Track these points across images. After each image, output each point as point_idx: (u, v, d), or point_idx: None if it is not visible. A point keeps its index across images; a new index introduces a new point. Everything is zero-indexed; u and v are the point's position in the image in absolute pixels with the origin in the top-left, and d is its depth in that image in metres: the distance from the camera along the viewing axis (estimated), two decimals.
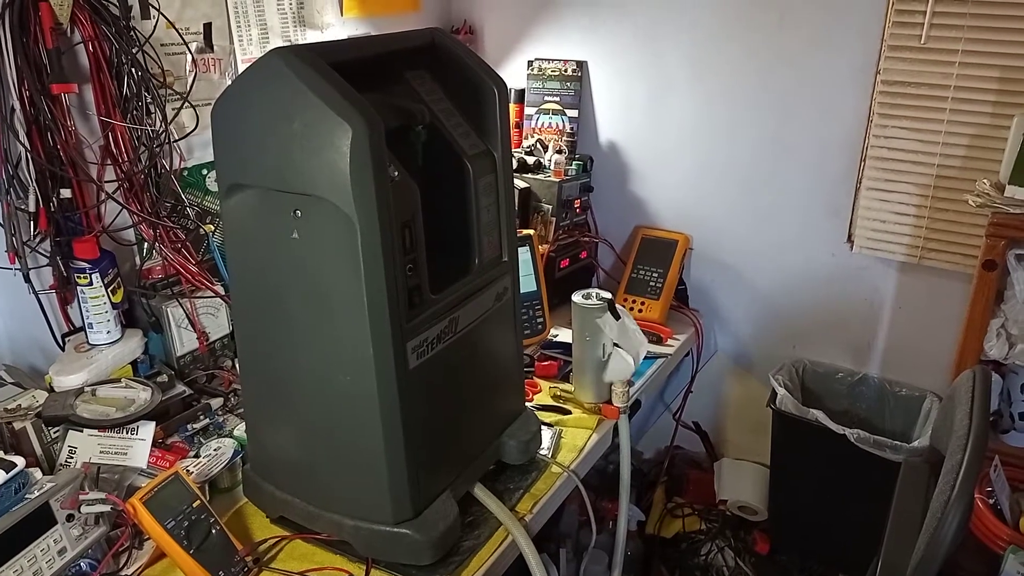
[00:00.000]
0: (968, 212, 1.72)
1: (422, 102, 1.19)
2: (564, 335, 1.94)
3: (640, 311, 2.02)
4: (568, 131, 2.16)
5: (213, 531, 1.15)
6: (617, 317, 1.52)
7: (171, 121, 1.46)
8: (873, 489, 1.82)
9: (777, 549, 2.05)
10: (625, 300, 2.05)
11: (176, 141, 1.48)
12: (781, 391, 1.87)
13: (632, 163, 2.15)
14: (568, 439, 1.52)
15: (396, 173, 1.05)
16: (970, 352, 1.58)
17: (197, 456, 1.33)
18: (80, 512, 1.09)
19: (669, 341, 1.95)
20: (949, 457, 1.19)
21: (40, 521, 1.05)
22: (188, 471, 1.27)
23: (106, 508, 1.10)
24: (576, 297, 1.56)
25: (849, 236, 1.91)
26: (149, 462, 1.29)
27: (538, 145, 2.16)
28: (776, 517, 2.05)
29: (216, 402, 1.47)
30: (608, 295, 1.55)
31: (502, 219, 1.29)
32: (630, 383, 1.59)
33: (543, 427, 1.48)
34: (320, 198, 1.00)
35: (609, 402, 1.59)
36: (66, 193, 1.34)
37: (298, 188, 1.01)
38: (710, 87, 1.98)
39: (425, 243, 1.10)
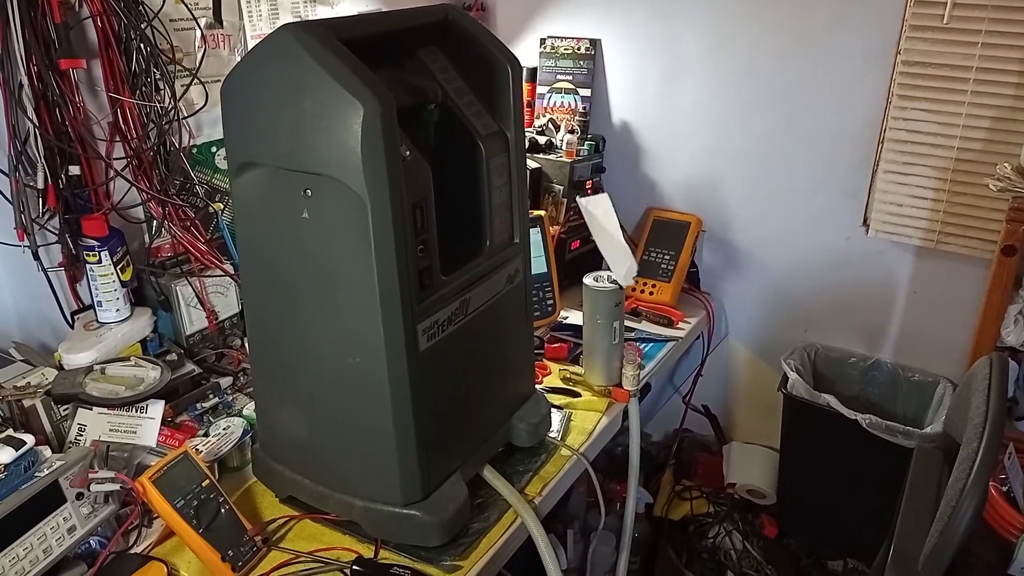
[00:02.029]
0: (987, 196, 1.69)
1: (434, 80, 1.17)
2: (574, 317, 1.92)
3: (651, 294, 2.00)
4: (580, 111, 2.13)
5: (222, 510, 1.14)
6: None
7: (180, 98, 1.44)
8: (884, 474, 1.81)
9: (785, 533, 2.05)
10: (636, 282, 2.03)
11: (185, 118, 1.46)
12: (793, 375, 1.86)
13: (644, 144, 2.12)
14: (578, 422, 1.51)
15: (408, 152, 1.03)
16: (987, 338, 1.56)
17: (206, 435, 1.33)
18: (89, 490, 1.09)
19: (680, 324, 1.93)
20: (965, 445, 1.17)
21: (50, 499, 1.05)
22: (197, 450, 1.27)
23: (115, 487, 1.10)
24: (587, 280, 1.54)
25: (864, 220, 1.88)
26: (158, 441, 1.29)
27: (550, 125, 2.14)
28: (785, 501, 2.04)
29: (225, 381, 1.47)
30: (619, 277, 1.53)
31: (514, 200, 1.28)
32: (640, 366, 1.58)
33: (553, 409, 1.47)
34: (331, 177, 0.99)
35: (619, 385, 1.58)
36: (75, 170, 1.32)
37: (309, 167, 1.00)
38: (725, 67, 1.94)
39: (436, 224, 1.09)
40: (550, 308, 1.88)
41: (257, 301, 1.18)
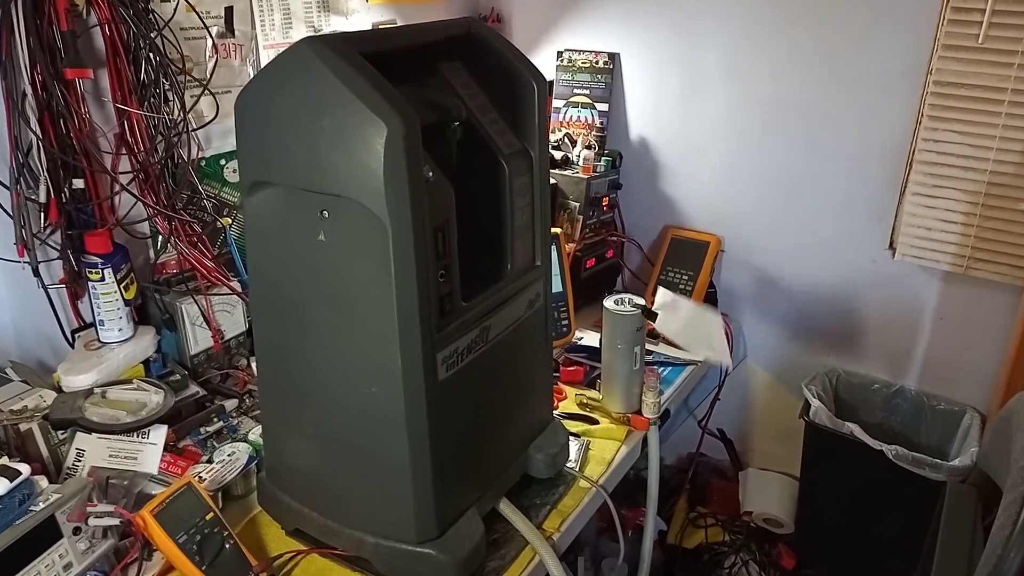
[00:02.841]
0: (1020, 222, 1.64)
1: (457, 96, 1.12)
2: (589, 338, 1.87)
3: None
4: (598, 125, 2.08)
5: (227, 545, 1.09)
6: (654, 320, 1.45)
7: (190, 109, 1.39)
8: (908, 506, 1.75)
9: (803, 563, 1.99)
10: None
11: (194, 130, 1.41)
12: (815, 403, 1.80)
13: (662, 160, 2.07)
14: (596, 451, 1.45)
15: (431, 174, 0.97)
16: (1021, 371, 1.50)
17: (210, 461, 1.28)
18: (87, 525, 1.03)
19: None
20: (1011, 489, 1.11)
21: (45, 535, 0.99)
22: (200, 478, 1.21)
23: (115, 521, 1.04)
24: (608, 303, 1.49)
25: (891, 243, 1.83)
26: (160, 467, 1.23)
27: (566, 140, 2.08)
28: (803, 530, 1.98)
29: (231, 404, 1.41)
30: (641, 301, 1.48)
31: (536, 222, 1.22)
32: (660, 392, 1.52)
33: (570, 437, 1.42)
34: (350, 199, 0.93)
35: (639, 412, 1.53)
36: (79, 183, 1.27)
37: (326, 188, 0.94)
38: (747, 84, 1.89)
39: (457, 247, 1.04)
40: (565, 329, 1.82)
41: (267, 324, 1.12)
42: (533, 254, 1.24)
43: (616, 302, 1.49)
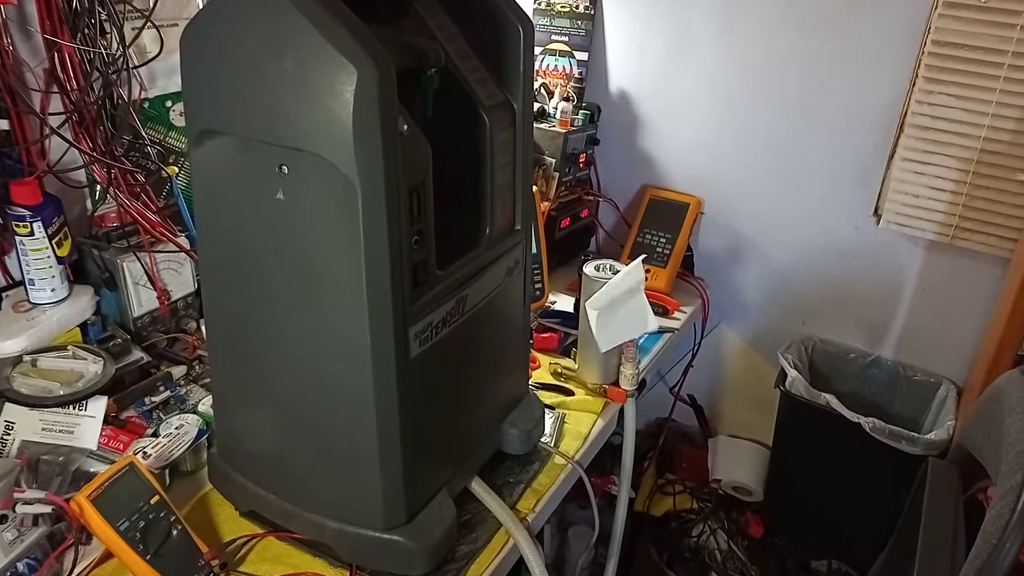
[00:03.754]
0: (1011, 191, 1.59)
1: (434, 39, 1.00)
2: (563, 302, 1.79)
3: (645, 279, 1.86)
4: (576, 76, 1.96)
5: (174, 531, 0.99)
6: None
7: (130, 44, 1.24)
8: (881, 478, 1.73)
9: (771, 532, 1.97)
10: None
11: (136, 68, 1.26)
12: (792, 373, 1.75)
13: (643, 116, 1.97)
14: (571, 424, 1.38)
15: (405, 127, 0.86)
16: (1008, 345, 1.46)
17: (156, 435, 1.17)
18: (15, 512, 0.92)
19: (676, 313, 1.80)
20: (1008, 475, 1.07)
21: None
22: (145, 455, 1.11)
23: (46, 509, 0.94)
24: (588, 269, 1.40)
25: (876, 209, 1.77)
26: (100, 443, 1.12)
27: (542, 90, 1.97)
28: (773, 500, 1.95)
29: (178, 371, 1.30)
30: (622, 267, 1.39)
31: (518, 182, 1.12)
32: (638, 363, 1.45)
33: (545, 410, 1.34)
34: (314, 154, 0.82)
35: (616, 383, 1.45)
36: (2, 125, 1.12)
37: (287, 140, 0.83)
38: (736, 38, 1.79)
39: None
40: (538, 292, 1.74)
41: (218, 289, 1.01)
42: (513, 217, 1.14)
43: (596, 268, 1.40)
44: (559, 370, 1.51)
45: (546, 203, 1.85)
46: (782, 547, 1.95)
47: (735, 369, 2.09)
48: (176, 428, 1.18)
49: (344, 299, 0.88)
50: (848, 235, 1.81)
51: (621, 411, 1.47)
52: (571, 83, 1.96)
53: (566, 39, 1.96)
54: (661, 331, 1.72)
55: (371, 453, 0.96)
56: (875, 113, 1.70)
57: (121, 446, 1.13)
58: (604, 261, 1.41)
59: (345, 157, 0.80)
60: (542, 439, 1.31)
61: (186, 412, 1.23)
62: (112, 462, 1.10)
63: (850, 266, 1.84)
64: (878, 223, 1.76)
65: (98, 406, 1.13)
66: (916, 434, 1.62)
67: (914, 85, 1.63)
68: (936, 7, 1.56)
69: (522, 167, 1.12)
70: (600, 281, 1.36)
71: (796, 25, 1.71)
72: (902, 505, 1.64)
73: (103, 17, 1.18)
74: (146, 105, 1.34)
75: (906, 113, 1.66)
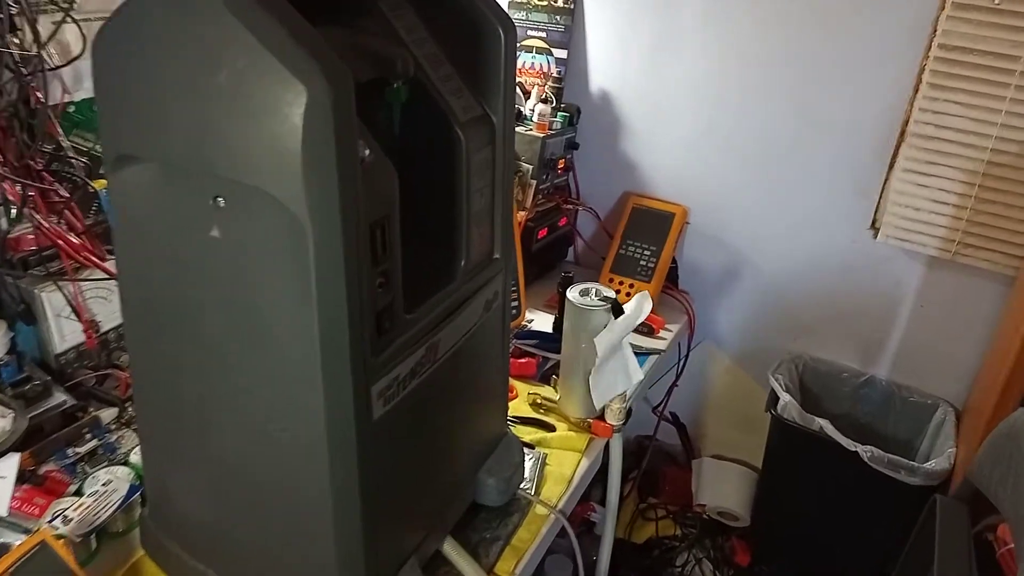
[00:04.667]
0: (1019, 206, 1.49)
1: (402, 44, 0.86)
2: (540, 320, 1.66)
3: (628, 295, 1.74)
4: (554, 75, 1.82)
5: None
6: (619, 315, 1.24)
7: (47, 41, 1.07)
8: (876, 506, 1.64)
9: (758, 559, 1.87)
10: (611, 281, 1.77)
11: (55, 69, 1.10)
12: (785, 396, 1.65)
13: (626, 119, 1.84)
14: (553, 466, 1.25)
15: (368, 152, 0.72)
16: (1020, 374, 1.36)
17: (79, 493, 1.02)
18: None
19: (661, 332, 1.68)
20: None
21: None
22: (66, 518, 0.96)
23: None
24: (572, 294, 1.27)
25: (874, 222, 1.66)
26: (11, 507, 0.96)
27: (518, 90, 1.82)
28: (760, 526, 1.85)
29: (108, 414, 1.14)
30: (611, 293, 1.26)
31: (497, 206, 0.98)
32: (624, 395, 1.33)
33: (524, 450, 1.21)
34: (255, 188, 0.67)
35: (601, 417, 1.33)
36: None
37: (221, 171, 0.68)
38: (727, 36, 1.67)
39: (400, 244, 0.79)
40: (515, 311, 1.60)
41: (145, 335, 0.86)
42: (492, 245, 1.00)
43: (581, 293, 1.27)
44: (539, 400, 1.38)
45: (522, 213, 1.71)
46: (770, 574, 1.85)
47: (721, 387, 1.98)
48: (104, 485, 1.03)
49: (293, 355, 0.74)
50: (843, 249, 1.71)
51: (606, 445, 1.35)
52: (549, 83, 1.83)
53: (544, 35, 1.82)
54: (647, 353, 1.59)
55: (325, 527, 0.82)
56: (875, 119, 1.59)
57: (37, 510, 0.97)
58: (589, 285, 1.28)
59: (293, 192, 0.66)
60: (522, 485, 1.18)
61: (116, 464, 1.08)
62: (27, 531, 0.95)
63: (845, 281, 1.73)
64: (875, 236, 1.65)
65: (9, 465, 0.97)
66: (916, 463, 1.53)
67: (917, 91, 1.53)
68: (944, 8, 1.45)
69: (502, 189, 0.98)
70: (587, 310, 1.23)
71: (792, 22, 1.59)
72: (898, 535, 1.55)
73: (13, 10, 1.01)
74: (71, 110, 1.18)
75: (908, 120, 1.55)
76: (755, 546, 1.86)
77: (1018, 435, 1.18)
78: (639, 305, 1.23)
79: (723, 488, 1.90)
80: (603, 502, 1.65)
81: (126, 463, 1.08)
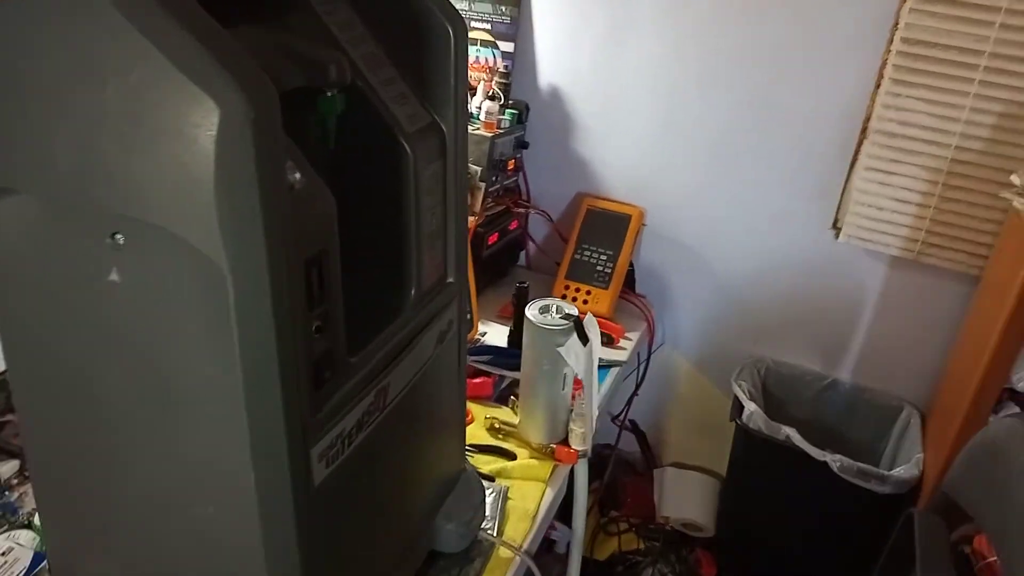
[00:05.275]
0: (983, 205, 1.46)
1: (336, 45, 0.74)
2: (494, 333, 1.56)
3: (585, 303, 1.65)
4: (501, 69, 1.72)
5: None
6: (586, 341, 1.15)
7: None
8: (842, 514, 1.59)
9: (724, 570, 1.81)
10: (567, 288, 1.68)
11: None
12: (750, 406, 1.58)
13: (578, 115, 1.74)
14: (516, 499, 1.16)
15: (298, 175, 0.61)
16: (994, 378, 1.32)
17: None
18: None
19: (621, 342, 1.60)
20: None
21: None
22: None
23: None
24: (531, 312, 1.17)
25: (835, 222, 1.61)
26: None
27: None
28: (725, 536, 1.80)
29: (8, 467, 1.00)
30: (573, 310, 1.17)
31: (450, 224, 0.88)
32: (590, 417, 1.24)
33: (484, 484, 1.11)
34: (158, 227, 0.55)
35: (565, 442, 1.24)
36: None
37: (114, 207, 0.56)
38: (683, 28, 1.59)
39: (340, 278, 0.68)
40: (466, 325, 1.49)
41: (33, 402, 0.72)
42: (444, 268, 0.90)
43: (541, 311, 1.17)
44: (497, 425, 1.28)
45: (472, 218, 1.60)
46: None
47: (681, 393, 1.92)
48: (2, 554, 0.89)
49: (213, 422, 0.62)
50: (805, 249, 1.65)
51: (571, 471, 1.25)
52: (495, 78, 1.72)
53: (488, 27, 1.71)
54: (608, 365, 1.51)
55: None
56: (836, 115, 1.53)
57: None
58: (549, 301, 1.19)
59: (205, 232, 0.54)
60: (483, 525, 1.08)
61: (18, 527, 0.94)
62: None
63: (806, 283, 1.68)
64: (837, 237, 1.60)
65: None
66: (885, 472, 1.48)
67: (879, 87, 1.47)
68: (906, 0, 1.39)
69: (455, 205, 0.87)
70: (548, 329, 1.13)
71: (752, 12, 1.53)
72: (865, 543, 1.50)
73: None
74: None
75: (870, 116, 1.50)
76: (720, 557, 1.81)
77: (998, 447, 1.14)
78: (594, 331, 1.14)
79: (686, 498, 1.84)
80: (564, 519, 1.57)
81: (30, 525, 0.94)
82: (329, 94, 0.70)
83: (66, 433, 0.70)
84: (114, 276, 0.60)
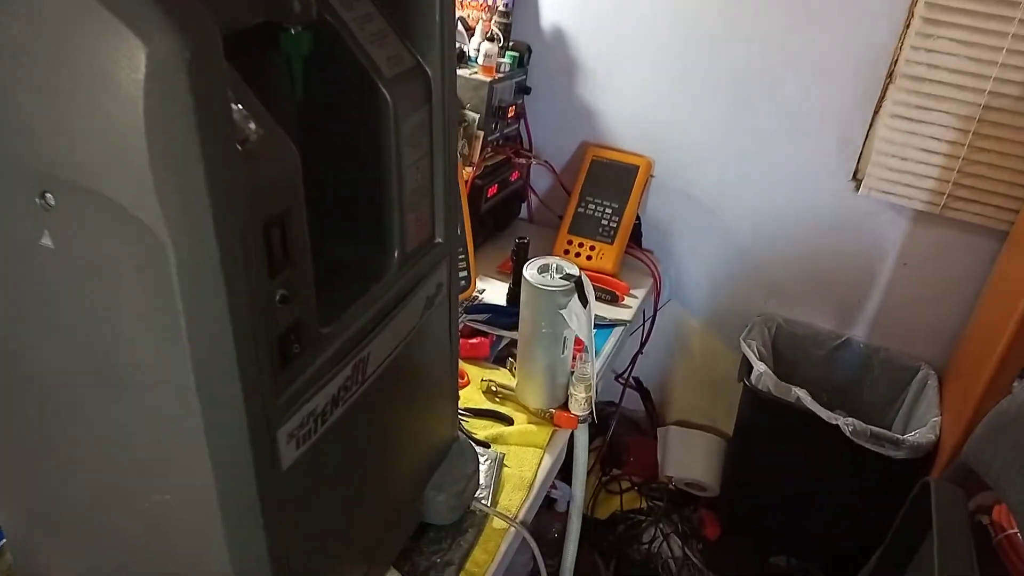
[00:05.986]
0: (1016, 155, 1.36)
1: None
2: (492, 290, 1.49)
3: (589, 259, 1.58)
4: (501, 8, 1.61)
5: None
6: (586, 303, 1.07)
7: None
8: (851, 477, 1.54)
9: (728, 529, 1.77)
10: (569, 244, 1.60)
11: None
12: (760, 366, 1.52)
13: (583, 58, 1.64)
14: (512, 467, 1.10)
15: (254, 126, 0.53)
16: (1022, 342, 1.24)
17: None
18: None
19: (626, 300, 1.53)
20: None
21: None
22: None
23: None
24: (529, 273, 1.09)
25: (856, 173, 1.51)
26: None
27: (459, 26, 1.60)
28: (730, 496, 1.75)
29: None
30: (574, 269, 1.09)
31: (438, 180, 0.80)
32: (591, 384, 1.17)
33: (477, 448, 1.06)
34: (88, 189, 0.48)
35: (564, 407, 1.18)
36: None
37: (38, 162, 0.48)
38: None
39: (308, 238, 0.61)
40: (464, 282, 1.43)
41: None
42: (432, 228, 0.82)
43: (540, 270, 1.09)
44: (494, 388, 1.22)
45: (469, 169, 1.52)
46: (740, 545, 1.76)
47: (688, 351, 1.85)
48: None
49: (163, 405, 0.56)
50: (822, 202, 1.56)
51: (571, 437, 1.20)
52: (495, 17, 1.61)
53: None
54: (612, 324, 1.44)
55: None
56: (861, 58, 1.42)
57: None
58: (549, 260, 1.11)
59: (139, 194, 0.46)
60: (476, 494, 1.03)
61: None
62: None
63: (823, 238, 1.59)
64: (857, 189, 1.51)
65: None
66: (900, 436, 1.42)
67: (909, 26, 1.36)
68: None
69: (443, 158, 0.79)
70: (548, 291, 1.06)
71: None
72: (875, 506, 1.46)
73: None
74: None
75: (897, 60, 1.39)
76: (724, 517, 1.77)
77: (1016, 413, 1.07)
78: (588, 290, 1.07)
79: (690, 458, 1.79)
80: (564, 478, 1.53)
81: None
82: (293, 32, 0.62)
83: (8, 416, 0.64)
84: (47, 240, 0.53)
